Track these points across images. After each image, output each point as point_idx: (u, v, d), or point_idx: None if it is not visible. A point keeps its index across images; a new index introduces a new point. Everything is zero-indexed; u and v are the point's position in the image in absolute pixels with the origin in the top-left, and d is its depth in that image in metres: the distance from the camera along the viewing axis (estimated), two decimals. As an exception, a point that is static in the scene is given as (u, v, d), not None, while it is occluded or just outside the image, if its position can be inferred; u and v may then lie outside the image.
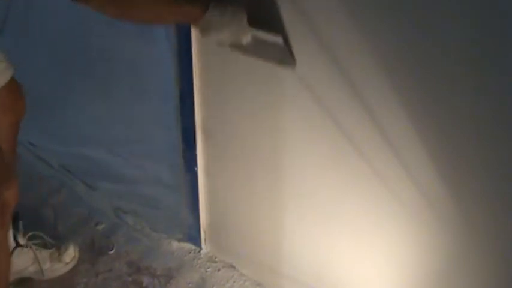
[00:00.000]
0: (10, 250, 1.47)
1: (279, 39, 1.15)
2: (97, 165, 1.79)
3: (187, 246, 1.70)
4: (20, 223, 1.52)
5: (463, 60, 0.91)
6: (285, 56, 1.16)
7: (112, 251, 1.65)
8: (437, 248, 1.13)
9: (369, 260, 1.28)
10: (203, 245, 1.69)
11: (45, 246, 1.57)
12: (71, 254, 1.58)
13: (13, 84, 1.33)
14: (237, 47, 1.16)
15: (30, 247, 1.51)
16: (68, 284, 1.54)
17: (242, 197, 1.50)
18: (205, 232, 1.67)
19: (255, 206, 1.47)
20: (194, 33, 1.26)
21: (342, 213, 1.26)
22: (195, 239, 1.68)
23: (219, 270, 1.62)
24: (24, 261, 1.50)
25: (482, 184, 1.00)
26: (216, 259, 1.66)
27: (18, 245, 1.49)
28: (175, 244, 1.70)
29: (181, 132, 1.47)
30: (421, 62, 0.95)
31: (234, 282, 1.54)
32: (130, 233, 1.74)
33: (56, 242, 1.59)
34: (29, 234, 1.53)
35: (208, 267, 1.62)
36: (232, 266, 1.63)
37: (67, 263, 1.57)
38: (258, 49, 1.18)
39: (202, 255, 1.67)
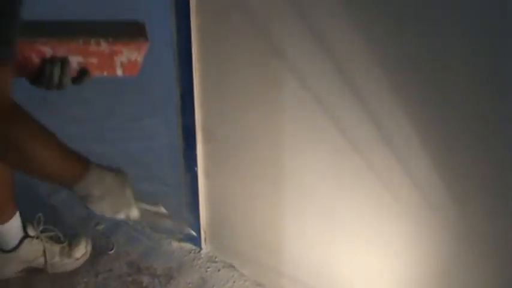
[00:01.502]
0: (19, 239, 1.48)
1: (160, 208, 1.14)
2: (97, 165, 1.78)
3: (187, 246, 1.70)
4: (40, 215, 1.52)
5: (465, 61, 0.91)
6: (173, 224, 1.17)
7: (112, 251, 1.65)
8: (438, 249, 1.13)
9: (369, 260, 1.28)
10: (203, 245, 1.69)
11: (58, 240, 1.57)
12: (81, 250, 1.58)
13: None
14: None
15: (41, 239, 1.52)
16: (68, 284, 1.54)
17: (242, 197, 1.50)
18: (205, 232, 1.67)
19: (255, 206, 1.47)
20: (194, 33, 1.26)
21: (343, 213, 1.26)
22: (195, 239, 1.68)
23: (219, 270, 1.62)
24: (33, 252, 1.51)
25: (483, 185, 1.00)
26: (216, 259, 1.66)
27: (27, 235, 1.49)
28: (175, 244, 1.70)
29: (181, 132, 1.47)
30: (423, 63, 0.95)
31: (234, 282, 1.54)
32: (130, 233, 1.74)
33: (68, 237, 1.59)
34: (41, 228, 1.53)
35: (208, 267, 1.62)
36: (232, 266, 1.63)
37: (77, 259, 1.57)
38: (149, 218, 1.13)
39: (202, 255, 1.67)
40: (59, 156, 0.99)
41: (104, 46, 1.01)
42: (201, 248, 1.69)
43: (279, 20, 1.10)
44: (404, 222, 1.15)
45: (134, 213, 1.09)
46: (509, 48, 0.85)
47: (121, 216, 1.08)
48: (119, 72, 1.07)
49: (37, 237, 1.51)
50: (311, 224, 1.35)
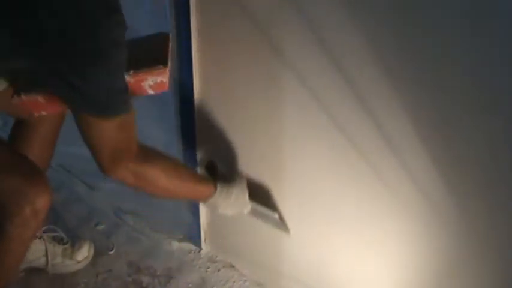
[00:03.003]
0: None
1: (275, 216, 1.37)
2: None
3: (187, 246, 1.70)
4: None
5: (466, 60, 0.91)
6: (280, 226, 1.38)
7: (112, 251, 1.65)
8: (438, 249, 1.13)
9: (369, 259, 1.28)
10: (203, 245, 1.69)
11: (61, 240, 1.56)
12: (84, 253, 1.58)
13: None
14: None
15: (44, 239, 1.51)
16: (68, 284, 1.54)
17: (242, 197, 1.50)
18: (205, 232, 1.67)
19: (255, 206, 1.47)
20: (194, 32, 1.26)
21: (342, 212, 1.26)
22: (195, 239, 1.68)
23: (219, 270, 1.62)
24: (35, 251, 1.50)
25: (483, 184, 1.00)
26: (216, 259, 1.66)
27: None
28: (175, 244, 1.70)
29: (181, 132, 1.47)
30: (423, 62, 0.95)
31: (234, 282, 1.54)
32: (130, 233, 1.74)
33: (71, 239, 1.59)
34: (44, 228, 1.52)
35: (208, 267, 1.62)
36: (232, 266, 1.63)
37: (78, 262, 1.56)
38: (257, 215, 1.38)
39: (202, 255, 1.67)
40: (189, 185, 1.24)
41: (128, 78, 1.08)
42: (201, 248, 1.69)
43: (278, 19, 1.10)
44: (404, 221, 1.15)
45: (248, 209, 1.35)
46: (509, 47, 0.85)
47: (238, 213, 1.35)
48: (150, 92, 1.15)
49: (40, 237, 1.51)
50: (311, 224, 1.35)
